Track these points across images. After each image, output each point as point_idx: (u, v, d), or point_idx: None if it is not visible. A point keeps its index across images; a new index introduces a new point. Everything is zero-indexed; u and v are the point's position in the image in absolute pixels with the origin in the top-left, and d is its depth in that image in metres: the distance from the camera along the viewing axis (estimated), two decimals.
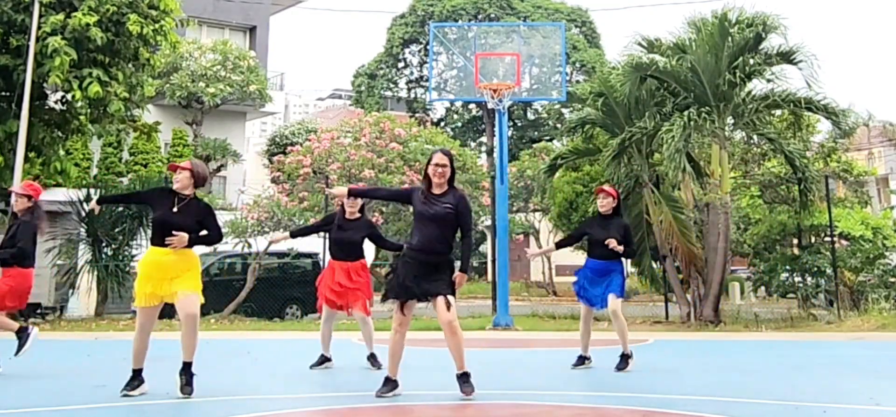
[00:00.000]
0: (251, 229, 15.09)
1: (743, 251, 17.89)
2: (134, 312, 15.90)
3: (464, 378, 5.79)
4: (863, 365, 8.42)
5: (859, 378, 7.33)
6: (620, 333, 7.50)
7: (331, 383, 6.81)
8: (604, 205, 7.53)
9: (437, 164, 5.85)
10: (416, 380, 6.93)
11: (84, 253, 15.57)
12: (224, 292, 15.89)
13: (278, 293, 15.87)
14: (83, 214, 15.30)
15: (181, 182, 5.94)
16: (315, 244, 15.53)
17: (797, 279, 15.32)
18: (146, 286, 5.80)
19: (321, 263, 15.74)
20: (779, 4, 16.26)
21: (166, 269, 5.79)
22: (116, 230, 15.41)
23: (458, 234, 5.91)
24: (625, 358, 7.48)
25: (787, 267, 15.37)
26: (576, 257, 28.44)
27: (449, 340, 5.80)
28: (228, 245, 16.76)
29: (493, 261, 17.69)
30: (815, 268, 14.72)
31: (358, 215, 7.54)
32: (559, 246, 8.08)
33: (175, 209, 5.87)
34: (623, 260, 7.59)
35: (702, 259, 14.07)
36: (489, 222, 26.67)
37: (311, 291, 15.63)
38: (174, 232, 5.73)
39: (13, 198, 7.35)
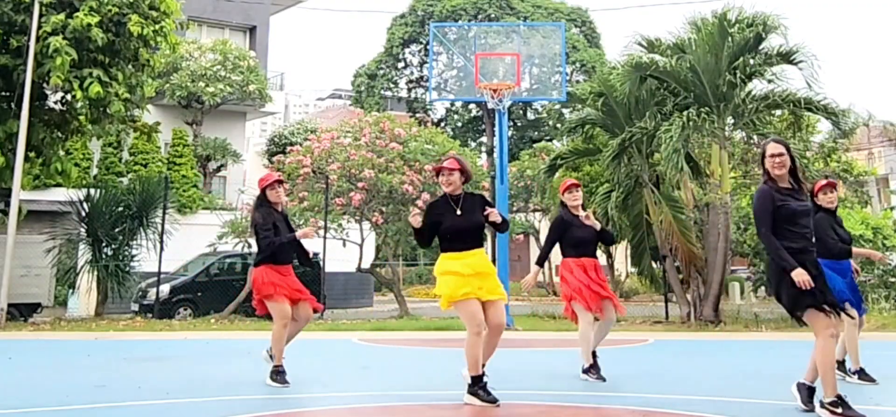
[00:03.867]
0: (251, 229, 15.07)
1: (743, 251, 17.87)
2: (134, 312, 16.05)
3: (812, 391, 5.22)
4: (863, 365, 8.41)
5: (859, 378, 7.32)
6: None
7: (331, 383, 6.81)
8: (832, 199, 6.93)
9: (772, 155, 5.12)
10: (417, 380, 6.93)
11: (84, 253, 15.57)
12: (224, 292, 15.89)
13: None
14: (83, 214, 15.30)
15: (453, 184, 5.74)
16: (315, 244, 15.52)
17: None
18: (465, 286, 5.50)
19: (321, 263, 15.74)
20: (779, 4, 16.26)
21: (474, 268, 5.58)
22: (116, 230, 15.41)
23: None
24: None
25: None
26: None
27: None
28: (228, 245, 16.77)
29: (494, 261, 17.68)
30: None
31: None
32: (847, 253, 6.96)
33: (459, 212, 5.68)
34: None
35: (702, 259, 14.07)
36: None
37: (311, 291, 15.80)
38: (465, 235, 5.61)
39: (275, 192, 6.84)
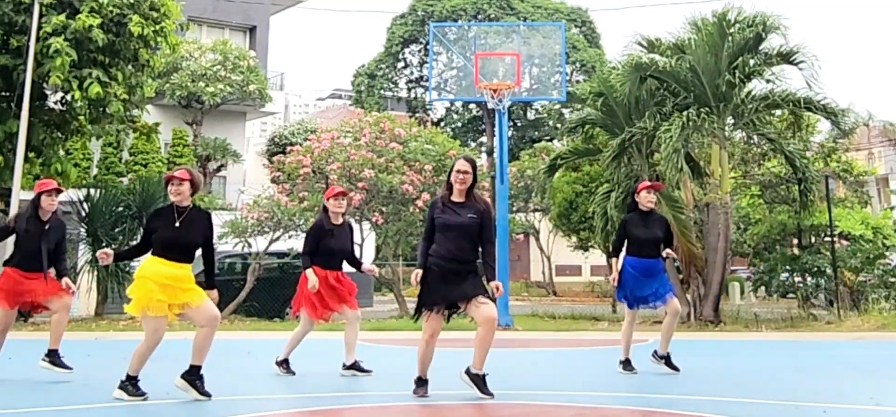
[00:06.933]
0: (251, 229, 15.08)
1: (743, 251, 17.88)
2: None
3: (483, 379, 5.78)
4: (863, 365, 8.42)
5: (859, 378, 7.34)
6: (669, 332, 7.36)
7: (330, 383, 6.81)
8: (644, 199, 7.32)
9: (458, 171, 5.84)
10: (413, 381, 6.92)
11: (84, 254, 15.56)
12: (224, 292, 15.84)
13: (278, 293, 15.84)
14: (83, 214, 15.29)
15: (182, 194, 5.87)
16: None
17: (797, 279, 15.31)
18: (161, 296, 5.67)
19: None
20: (779, 4, 16.26)
21: (176, 282, 5.75)
22: (116, 230, 15.40)
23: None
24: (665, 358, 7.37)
25: (787, 267, 15.37)
26: (575, 257, 28.47)
27: (486, 336, 5.71)
28: (228, 245, 16.78)
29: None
30: (815, 268, 14.72)
31: None
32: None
33: (177, 224, 5.82)
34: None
35: (702, 259, 14.06)
36: None
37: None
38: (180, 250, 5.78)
39: (50, 200, 6.91)
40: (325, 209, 7.35)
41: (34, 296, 6.88)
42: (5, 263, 6.95)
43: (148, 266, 5.79)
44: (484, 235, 5.84)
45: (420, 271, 5.82)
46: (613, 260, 7.48)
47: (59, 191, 6.99)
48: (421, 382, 5.91)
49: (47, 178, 15.61)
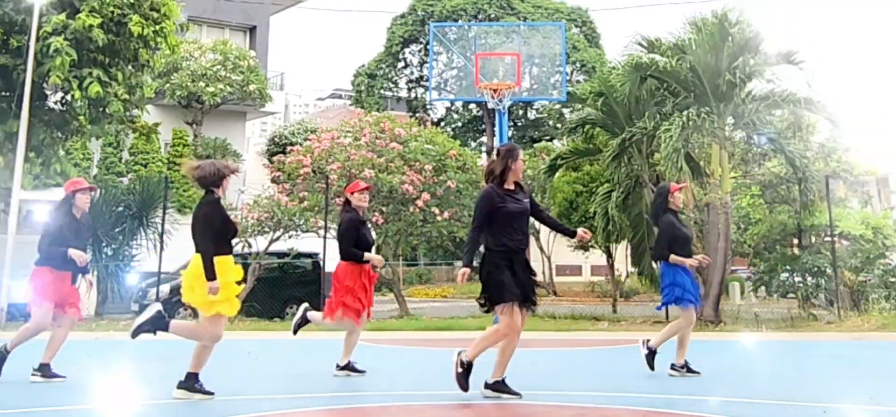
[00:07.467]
0: (251, 229, 15.08)
1: (743, 251, 17.88)
2: (134, 312, 16.02)
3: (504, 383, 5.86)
4: (863, 365, 8.42)
5: (859, 378, 7.34)
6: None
7: (330, 383, 6.81)
8: (676, 200, 7.39)
9: (522, 159, 6.00)
10: (417, 380, 6.93)
11: None
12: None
13: (278, 293, 15.84)
14: None
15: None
16: (315, 244, 15.53)
17: (797, 279, 15.29)
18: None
19: (321, 263, 15.72)
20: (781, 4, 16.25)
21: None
22: (116, 230, 15.41)
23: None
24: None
25: (787, 267, 15.35)
26: (575, 257, 28.45)
27: (513, 345, 5.82)
28: None
29: None
30: (815, 268, 14.69)
31: None
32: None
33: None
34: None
35: None
36: None
37: (312, 291, 15.83)
38: None
39: (85, 197, 6.91)
40: (348, 202, 7.23)
41: (61, 300, 6.77)
42: (37, 262, 6.76)
43: (229, 269, 5.75)
44: (540, 211, 6.17)
45: (467, 269, 5.80)
46: (677, 259, 7.18)
47: (93, 189, 7.06)
48: (503, 385, 5.82)
49: (49, 178, 15.56)
